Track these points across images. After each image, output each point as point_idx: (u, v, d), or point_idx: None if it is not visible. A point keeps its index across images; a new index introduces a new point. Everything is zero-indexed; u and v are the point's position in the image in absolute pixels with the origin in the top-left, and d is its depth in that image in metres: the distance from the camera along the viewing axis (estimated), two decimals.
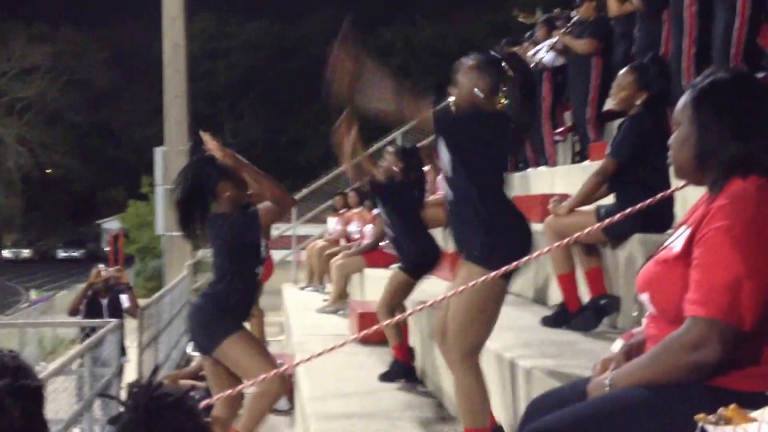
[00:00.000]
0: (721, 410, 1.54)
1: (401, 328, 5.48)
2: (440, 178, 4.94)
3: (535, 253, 3.18)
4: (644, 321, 2.18)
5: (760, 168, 1.91)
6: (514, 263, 3.01)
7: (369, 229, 8.80)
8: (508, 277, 3.19)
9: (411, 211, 5.47)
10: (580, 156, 7.71)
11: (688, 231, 1.96)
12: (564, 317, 4.31)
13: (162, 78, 16.58)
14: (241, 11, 48.61)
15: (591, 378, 2.15)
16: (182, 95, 16.42)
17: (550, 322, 4.39)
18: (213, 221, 4.32)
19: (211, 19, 46.79)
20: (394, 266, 5.70)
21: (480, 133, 3.19)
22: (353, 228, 10.39)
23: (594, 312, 4.24)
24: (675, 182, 4.06)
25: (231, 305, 4.33)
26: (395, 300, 5.43)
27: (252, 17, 48.77)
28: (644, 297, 2.04)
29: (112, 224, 35.39)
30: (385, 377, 5.35)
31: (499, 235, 3.23)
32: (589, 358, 3.56)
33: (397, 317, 4.00)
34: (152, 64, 41.06)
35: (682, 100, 2.04)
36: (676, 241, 2.00)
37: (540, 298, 5.49)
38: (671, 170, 3.95)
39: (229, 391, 3.46)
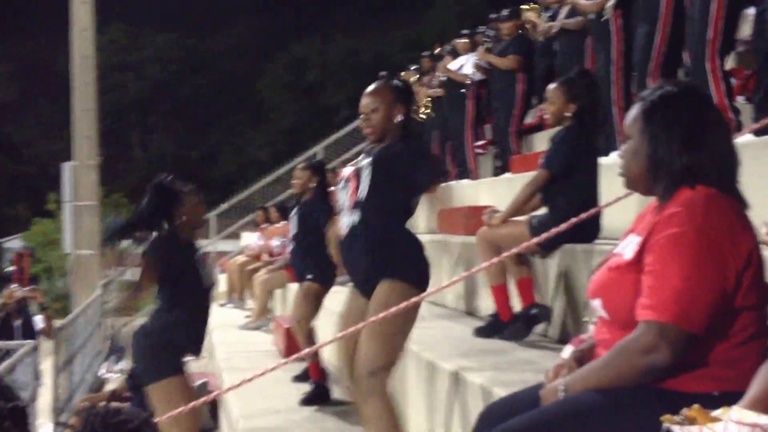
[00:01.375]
0: (684, 411, 1.59)
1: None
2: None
3: (476, 268, 3.23)
4: (592, 327, 2.24)
5: (707, 178, 1.99)
6: (447, 283, 3.07)
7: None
8: (422, 291, 3.29)
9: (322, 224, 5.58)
10: (501, 168, 7.85)
11: (639, 238, 2.02)
12: (497, 327, 4.36)
13: (67, 91, 16.13)
14: (152, 23, 47.73)
15: (543, 384, 2.19)
16: (91, 108, 16.01)
17: (483, 332, 4.44)
18: (163, 241, 4.16)
19: (121, 30, 45.78)
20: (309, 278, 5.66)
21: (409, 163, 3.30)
22: (275, 243, 10.31)
23: (525, 322, 4.31)
24: (605, 193, 4.19)
25: (176, 339, 4.15)
26: (314, 313, 5.58)
27: (163, 29, 47.94)
28: (596, 302, 2.10)
29: (14, 243, 34.05)
30: (306, 402, 5.34)
31: (413, 252, 3.37)
32: (524, 366, 3.63)
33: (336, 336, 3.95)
34: (56, 77, 39.94)
35: (632, 113, 2.10)
36: (626, 248, 2.06)
37: (471, 309, 5.55)
38: (597, 182, 4.11)
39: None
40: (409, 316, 3.26)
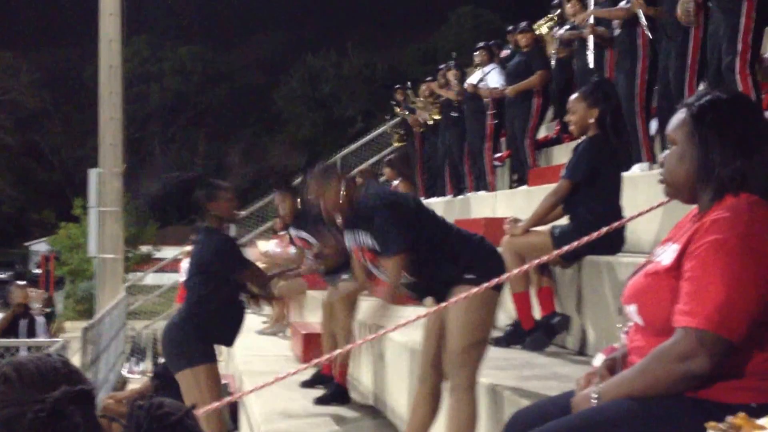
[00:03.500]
0: (729, 418, 1.53)
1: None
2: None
3: (504, 276, 3.18)
4: (623, 335, 2.18)
5: (752, 185, 1.91)
6: (501, 277, 3.04)
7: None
8: (499, 288, 3.24)
9: None
10: (517, 181, 7.80)
11: (678, 246, 1.95)
12: (517, 336, 4.30)
13: (93, 100, 16.23)
14: (174, 35, 48.09)
15: (572, 392, 2.13)
16: (117, 117, 16.09)
17: (502, 341, 4.37)
18: (199, 233, 4.25)
19: (145, 42, 46.12)
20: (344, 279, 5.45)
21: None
22: (293, 250, 10.20)
23: (545, 331, 4.24)
24: (627, 206, 4.13)
25: (206, 331, 4.18)
26: (353, 313, 5.33)
27: (185, 42, 48.28)
28: (631, 308, 2.02)
29: (40, 246, 34.29)
30: (323, 401, 5.29)
31: (479, 256, 3.29)
32: (547, 375, 3.57)
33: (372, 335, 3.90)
34: (82, 87, 40.24)
35: (678, 118, 2.02)
36: (664, 255, 1.99)
37: None
38: (620, 193, 4.03)
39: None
40: (488, 310, 3.24)
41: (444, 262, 3.25)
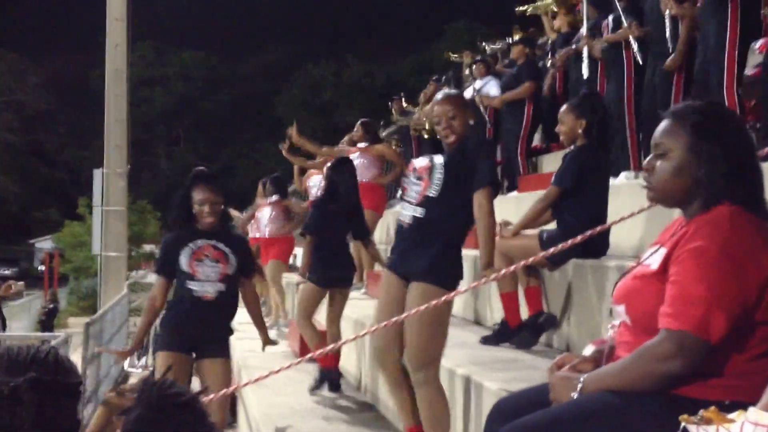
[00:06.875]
0: (702, 411, 1.58)
1: (323, 339, 5.49)
2: None
3: (491, 276, 3.23)
4: (611, 330, 2.22)
5: (735, 196, 1.94)
6: (471, 285, 3.10)
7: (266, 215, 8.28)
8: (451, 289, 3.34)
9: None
10: (508, 188, 7.84)
11: (665, 250, 1.99)
12: (505, 334, 4.34)
13: (98, 103, 16.25)
14: (179, 42, 48.10)
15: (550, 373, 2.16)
16: (123, 120, 16.12)
17: (490, 340, 4.41)
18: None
19: (150, 47, 46.15)
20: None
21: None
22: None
23: (532, 330, 4.28)
24: (611, 212, 4.18)
25: (166, 321, 4.23)
26: (310, 311, 5.51)
27: (189, 48, 48.32)
28: (620, 308, 2.08)
29: (45, 244, 34.24)
30: (314, 388, 5.46)
31: (453, 257, 3.40)
32: (532, 372, 3.61)
33: (349, 339, 3.95)
34: (87, 89, 40.20)
35: (671, 129, 2.02)
36: (652, 258, 2.03)
37: (478, 319, 5.53)
38: (607, 200, 4.06)
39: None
40: (444, 313, 3.35)
41: (449, 239, 3.34)
